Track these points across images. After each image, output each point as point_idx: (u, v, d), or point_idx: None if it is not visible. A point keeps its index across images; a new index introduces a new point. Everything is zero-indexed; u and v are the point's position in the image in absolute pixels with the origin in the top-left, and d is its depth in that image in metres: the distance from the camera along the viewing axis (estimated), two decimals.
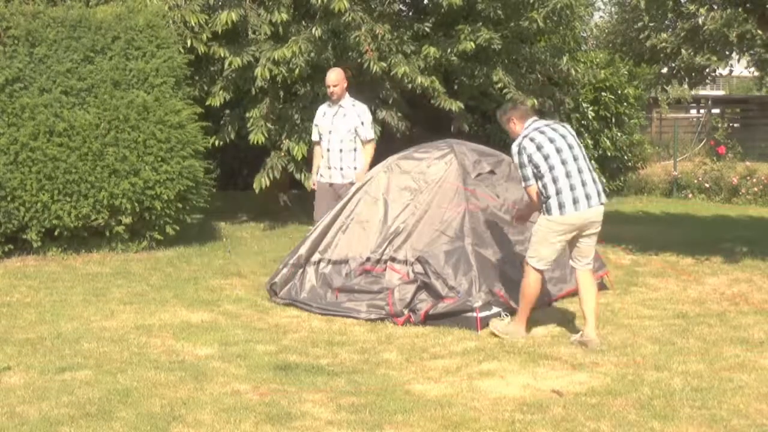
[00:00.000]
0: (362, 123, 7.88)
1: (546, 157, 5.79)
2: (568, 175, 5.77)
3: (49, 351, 5.65)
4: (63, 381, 5.04)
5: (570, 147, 5.87)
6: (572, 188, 5.76)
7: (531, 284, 5.99)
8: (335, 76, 7.89)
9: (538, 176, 5.81)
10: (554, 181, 5.76)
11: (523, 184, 5.99)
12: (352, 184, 7.60)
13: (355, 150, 7.88)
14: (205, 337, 6.03)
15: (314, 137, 8.17)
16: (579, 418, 4.50)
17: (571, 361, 5.49)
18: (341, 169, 7.85)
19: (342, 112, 7.87)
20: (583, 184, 5.80)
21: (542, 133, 5.90)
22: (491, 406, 4.67)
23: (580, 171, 5.82)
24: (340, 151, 7.83)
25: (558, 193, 5.75)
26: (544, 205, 5.83)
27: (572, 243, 5.94)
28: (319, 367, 5.36)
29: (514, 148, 5.93)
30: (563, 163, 5.79)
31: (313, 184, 8.22)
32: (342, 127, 7.83)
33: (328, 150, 7.88)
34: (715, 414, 4.55)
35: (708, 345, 5.87)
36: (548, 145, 5.83)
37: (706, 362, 5.48)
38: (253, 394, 4.85)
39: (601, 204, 5.88)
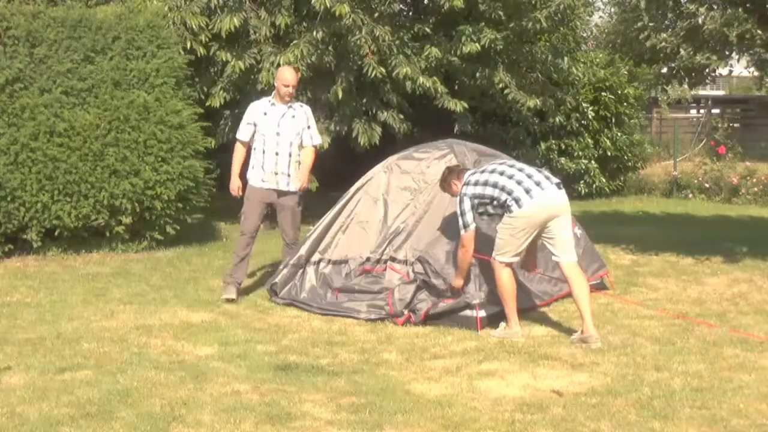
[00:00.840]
0: (309, 126, 7.34)
1: (485, 184, 6.04)
2: (511, 177, 5.99)
3: (49, 351, 5.65)
4: (63, 381, 5.05)
5: (501, 161, 6.23)
6: (519, 183, 5.93)
7: (505, 280, 6.03)
8: (293, 76, 7.32)
9: (490, 198, 5.98)
10: (502, 189, 5.95)
11: (461, 231, 6.12)
12: (294, 193, 7.23)
13: (299, 155, 7.32)
14: (205, 337, 6.03)
15: (244, 136, 7.35)
16: (579, 418, 4.50)
17: (571, 361, 5.49)
18: (289, 175, 7.21)
19: (291, 113, 7.27)
20: (529, 176, 5.99)
21: (473, 174, 6.19)
22: (491, 406, 4.67)
23: (520, 169, 6.08)
24: (290, 155, 7.21)
25: (509, 193, 5.91)
26: (504, 210, 5.95)
27: (545, 236, 5.98)
28: (319, 367, 5.36)
29: (456, 200, 6.19)
30: (501, 174, 6.04)
31: (238, 190, 7.32)
32: (292, 130, 7.22)
33: (277, 153, 7.18)
34: (715, 414, 4.55)
35: (708, 345, 5.87)
36: (480, 175, 6.12)
37: (706, 362, 5.48)
38: (253, 394, 4.85)
39: (554, 185, 5.96)
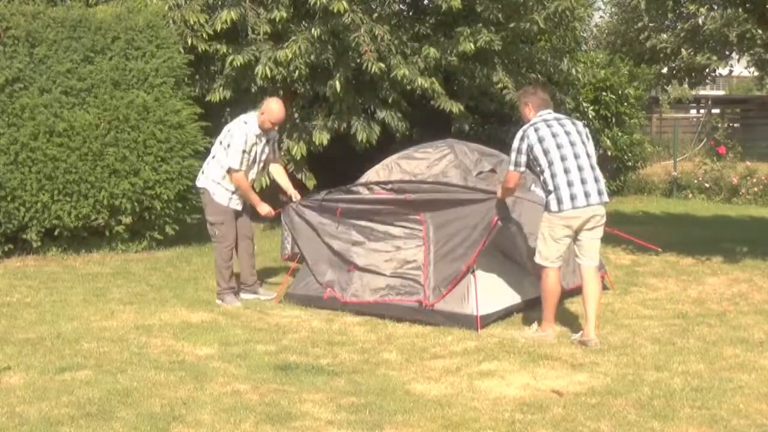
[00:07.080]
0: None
1: (546, 152, 5.81)
2: (566, 171, 5.78)
3: (49, 351, 5.65)
4: (63, 381, 5.05)
5: (572, 144, 5.86)
6: (570, 185, 5.76)
7: (550, 284, 5.98)
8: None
9: (540, 170, 5.85)
10: (552, 177, 5.78)
11: (510, 167, 6.00)
12: None
13: None
14: (205, 337, 6.03)
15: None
16: (579, 418, 4.50)
17: (571, 361, 5.49)
18: None
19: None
20: (583, 182, 5.79)
21: (548, 126, 5.92)
22: (491, 406, 4.67)
23: (579, 168, 5.81)
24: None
25: (556, 188, 5.77)
26: (546, 200, 5.86)
27: (575, 239, 5.94)
28: (319, 367, 5.36)
29: (519, 133, 5.98)
30: (563, 159, 5.79)
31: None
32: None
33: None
34: (715, 414, 4.55)
35: (708, 345, 5.87)
36: (550, 139, 5.84)
37: (706, 362, 5.48)
38: (253, 394, 4.85)
39: (602, 203, 5.86)
